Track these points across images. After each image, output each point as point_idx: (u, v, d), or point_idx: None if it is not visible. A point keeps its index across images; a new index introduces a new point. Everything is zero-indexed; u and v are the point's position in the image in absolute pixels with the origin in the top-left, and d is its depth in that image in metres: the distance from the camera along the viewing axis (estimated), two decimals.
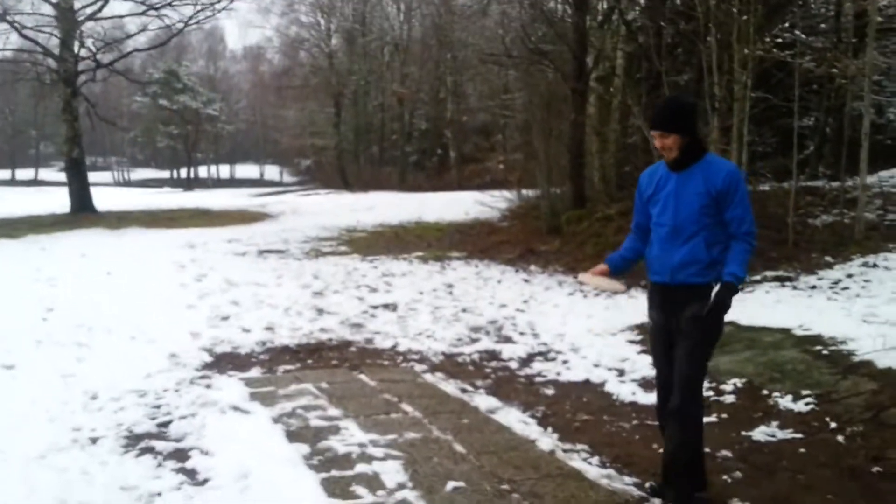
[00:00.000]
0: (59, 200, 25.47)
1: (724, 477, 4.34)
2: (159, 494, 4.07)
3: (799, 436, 4.91)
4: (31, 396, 5.69)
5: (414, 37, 42.20)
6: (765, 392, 5.65)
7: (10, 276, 11.36)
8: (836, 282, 8.57)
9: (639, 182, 4.08)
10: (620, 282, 3.98)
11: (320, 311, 9.14)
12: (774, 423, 5.11)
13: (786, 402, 5.43)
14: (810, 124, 14.92)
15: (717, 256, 3.77)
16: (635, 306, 8.63)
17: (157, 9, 25.12)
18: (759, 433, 4.98)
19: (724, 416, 5.37)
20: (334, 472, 4.28)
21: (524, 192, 16.69)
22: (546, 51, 16.29)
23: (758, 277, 8.87)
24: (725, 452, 4.71)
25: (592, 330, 7.84)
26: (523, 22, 16.47)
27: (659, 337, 4.01)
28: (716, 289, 3.73)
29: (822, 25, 14.17)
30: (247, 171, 72.02)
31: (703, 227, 3.76)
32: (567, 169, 14.63)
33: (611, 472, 4.46)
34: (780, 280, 8.86)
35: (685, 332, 3.79)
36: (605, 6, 16.43)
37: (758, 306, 7.86)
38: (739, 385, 5.83)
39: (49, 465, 4.41)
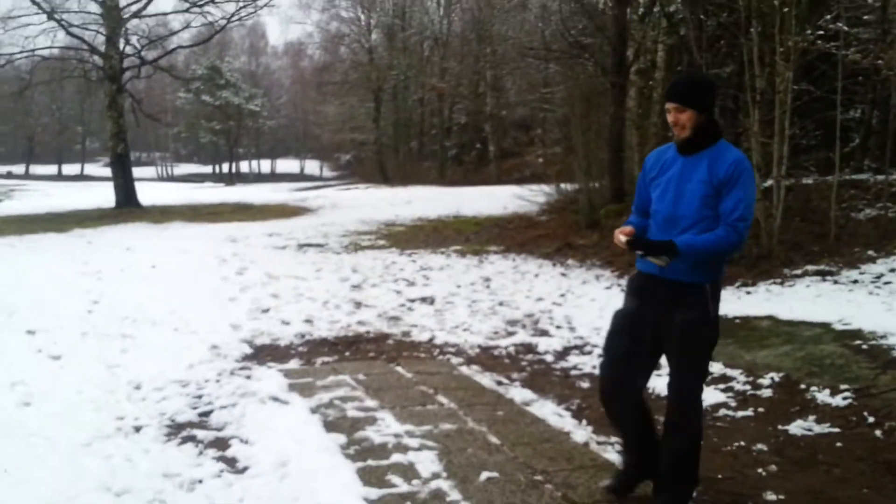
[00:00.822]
0: (104, 195, 26.02)
1: (759, 470, 4.32)
2: (200, 482, 4.16)
3: (836, 430, 4.87)
4: (78, 386, 5.85)
5: (454, 31, 42.20)
6: (802, 386, 5.60)
7: (57, 269, 11.64)
8: (879, 276, 8.43)
9: (644, 162, 3.78)
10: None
11: (358, 305, 9.24)
12: (811, 418, 5.08)
13: (823, 396, 5.38)
14: (856, 117, 14.66)
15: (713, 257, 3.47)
16: None
17: (200, 6, 25.52)
18: (796, 427, 4.95)
19: (761, 409, 5.34)
20: (370, 462, 4.35)
21: (563, 186, 16.63)
22: (586, 44, 16.23)
23: (798, 272, 8.76)
24: (761, 446, 4.69)
25: None
26: (563, 15, 16.43)
27: (628, 322, 3.68)
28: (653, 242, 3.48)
29: (868, 16, 13.88)
30: (287, 165, 72.74)
31: (702, 219, 3.42)
32: (606, 163, 14.56)
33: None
34: (822, 274, 8.74)
35: (682, 342, 3.50)
36: None
37: (798, 300, 7.77)
38: (777, 379, 5.79)
39: (94, 452, 4.54)
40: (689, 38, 10.93)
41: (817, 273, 8.78)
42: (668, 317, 3.49)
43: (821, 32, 9.62)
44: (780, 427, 4.99)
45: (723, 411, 5.38)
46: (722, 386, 5.85)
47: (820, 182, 11.41)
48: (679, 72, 10.63)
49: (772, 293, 8.26)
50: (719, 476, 4.26)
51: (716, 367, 6.20)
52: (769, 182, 9.68)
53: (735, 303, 8.12)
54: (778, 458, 4.51)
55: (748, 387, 5.76)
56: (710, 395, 5.65)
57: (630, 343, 3.65)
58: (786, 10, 9.03)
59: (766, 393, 5.63)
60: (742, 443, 4.77)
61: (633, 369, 3.70)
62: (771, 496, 3.96)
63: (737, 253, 4.23)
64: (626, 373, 3.69)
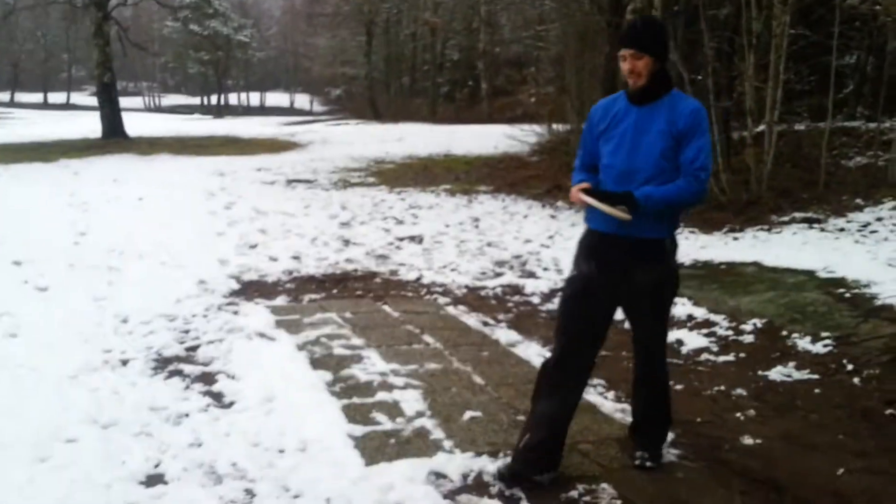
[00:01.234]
0: (90, 125, 25.67)
1: (738, 414, 4.39)
2: (187, 415, 4.20)
3: (815, 377, 4.94)
4: (65, 318, 5.86)
5: None
6: (784, 333, 5.66)
7: (43, 200, 11.56)
8: (865, 225, 8.48)
9: (590, 115, 3.55)
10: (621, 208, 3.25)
11: (347, 242, 9.24)
12: (791, 364, 5.14)
13: (804, 343, 5.45)
14: (851, 63, 14.54)
15: (672, 211, 3.38)
16: None
17: None
18: (776, 373, 5.01)
19: (742, 355, 5.40)
20: (355, 399, 4.40)
21: (555, 126, 16.52)
22: None
23: (786, 218, 8.80)
24: (740, 391, 4.76)
25: None
26: None
27: (585, 291, 3.43)
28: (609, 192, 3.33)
29: None
30: (277, 99, 71.91)
31: (661, 172, 3.26)
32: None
33: (625, 406, 4.51)
34: (809, 222, 8.78)
35: (648, 302, 3.45)
36: None
37: (784, 247, 7.82)
38: (759, 325, 5.85)
39: (81, 384, 4.57)
40: None
41: (804, 220, 8.82)
42: (629, 276, 3.35)
43: None
44: (760, 373, 5.05)
45: (704, 356, 5.44)
46: (705, 331, 5.91)
47: (812, 128, 11.36)
48: (698, 32, 10.39)
49: (758, 239, 8.31)
50: (698, 419, 4.33)
51: (699, 312, 6.27)
52: (761, 127, 9.64)
53: (721, 248, 8.16)
54: (757, 403, 4.57)
55: (731, 332, 5.82)
56: (693, 340, 5.72)
57: (589, 312, 3.43)
58: None
59: (748, 339, 5.69)
60: (722, 387, 4.83)
61: (591, 341, 3.51)
62: (748, 440, 4.03)
63: (698, 204, 4.10)
64: (585, 345, 3.50)
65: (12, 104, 60.04)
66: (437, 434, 3.95)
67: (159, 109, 66.69)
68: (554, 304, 6.88)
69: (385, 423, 4.08)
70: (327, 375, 4.76)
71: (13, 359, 4.95)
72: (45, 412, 4.13)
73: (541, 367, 3.63)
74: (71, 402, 4.29)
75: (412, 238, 9.58)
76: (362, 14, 41.12)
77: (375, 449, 3.77)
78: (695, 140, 3.24)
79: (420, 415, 4.19)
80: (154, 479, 3.50)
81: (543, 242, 9.35)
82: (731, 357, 5.37)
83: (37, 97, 66.67)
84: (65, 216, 10.12)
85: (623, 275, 3.35)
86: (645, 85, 3.27)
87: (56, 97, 68.04)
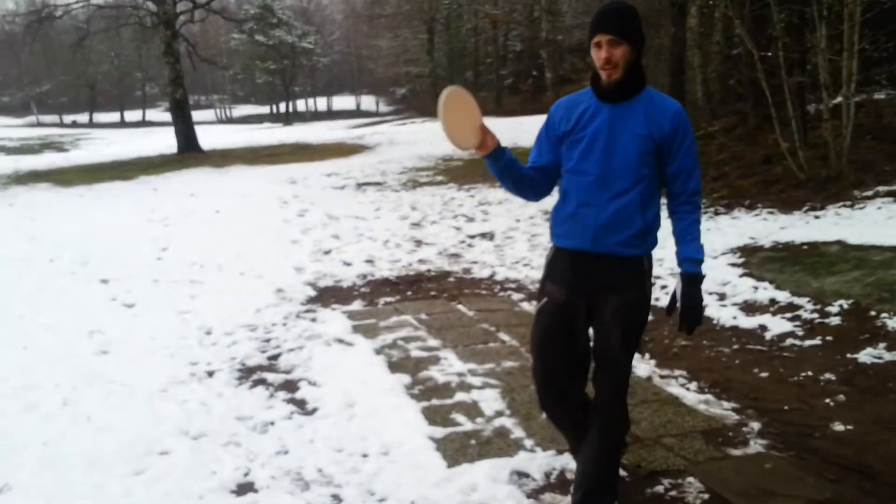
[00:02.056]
0: (166, 140, 26.47)
1: (827, 400, 4.28)
2: (272, 423, 4.30)
3: None
4: (151, 333, 6.06)
5: None
6: (872, 313, 5.46)
7: (126, 217, 11.96)
8: None
9: (550, 113, 3.05)
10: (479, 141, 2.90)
11: (418, 243, 9.30)
12: (882, 345, 4.96)
13: (894, 323, 5.24)
14: None
15: (651, 223, 2.90)
16: (737, 227, 8.42)
17: None
18: (865, 355, 4.85)
19: (829, 338, 5.24)
20: (434, 401, 4.44)
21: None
22: None
23: (869, 193, 8.48)
24: (829, 375, 4.63)
25: None
26: None
27: (557, 319, 3.01)
28: (678, 287, 2.93)
29: None
30: (343, 102, 72.79)
31: (640, 180, 2.85)
32: (667, 85, 14.16)
33: (709, 397, 4.46)
34: (894, 195, 8.44)
35: (620, 329, 2.91)
36: None
37: (868, 223, 7.54)
38: (846, 306, 5.66)
39: (171, 398, 4.73)
40: None
41: (889, 194, 8.47)
42: (602, 300, 2.92)
43: None
44: (848, 356, 4.90)
45: (789, 341, 5.30)
46: (789, 315, 5.75)
47: (893, 97, 10.92)
48: (765, 6, 10.06)
49: (841, 216, 8.03)
50: (786, 407, 4.23)
51: (782, 296, 6.10)
52: (838, 100, 9.31)
53: (802, 228, 7.92)
54: (846, 387, 4.44)
55: (816, 315, 5.65)
56: (776, 325, 5.58)
57: (566, 345, 3.04)
58: None
59: (835, 321, 5.51)
60: (809, 373, 4.71)
61: (572, 374, 3.12)
62: (839, 426, 3.92)
63: None
64: (566, 380, 3.11)
65: (91, 124, 62.38)
66: (518, 433, 3.95)
67: (231, 120, 68.27)
68: None
69: (465, 424, 4.10)
70: (405, 378, 4.81)
71: (105, 375, 5.14)
72: (138, 426, 4.28)
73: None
74: (162, 415, 4.44)
75: (483, 235, 9.59)
76: (423, 12, 41.28)
77: (457, 450, 3.79)
78: (685, 150, 2.89)
79: (499, 414, 4.20)
80: (244, 488, 3.59)
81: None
82: (817, 341, 5.22)
83: (114, 116, 69.06)
84: (146, 232, 10.46)
85: (597, 298, 2.94)
86: (620, 78, 2.83)
87: (132, 115, 70.32)
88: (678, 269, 2.97)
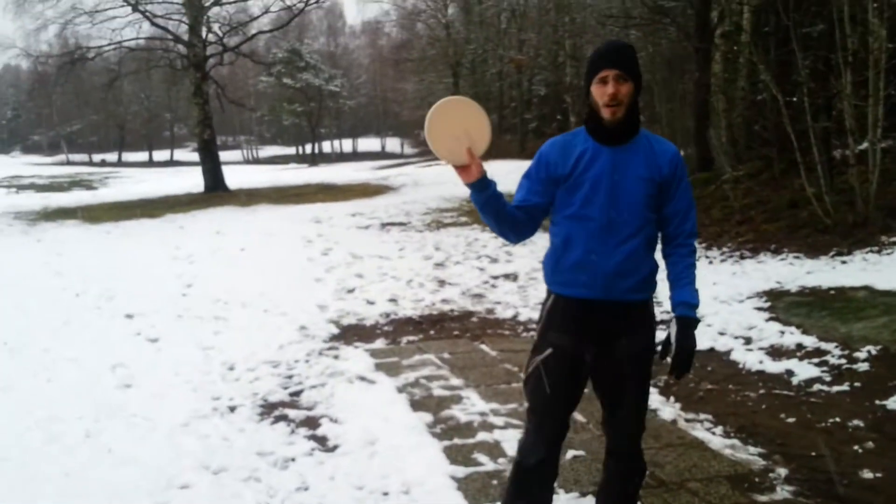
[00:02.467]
0: (193, 180, 26.80)
1: (856, 447, 4.20)
2: (293, 460, 4.29)
3: None
4: (175, 368, 6.09)
5: (531, 2, 41.60)
6: None
7: (152, 254, 12.08)
8: None
9: (541, 154, 2.88)
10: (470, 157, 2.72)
11: (442, 283, 9.31)
12: None
13: None
14: None
15: (655, 265, 2.83)
16: (763, 271, 8.36)
17: None
18: (894, 402, 4.77)
19: (857, 384, 5.16)
20: (456, 440, 4.40)
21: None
22: (667, 9, 15.79)
23: None
24: (857, 422, 4.55)
25: (718, 297, 7.64)
26: None
27: (565, 371, 2.83)
28: (673, 332, 2.80)
29: None
30: (369, 144, 73.55)
31: (646, 224, 2.77)
32: (691, 130, 14.20)
33: (735, 441, 4.40)
34: None
35: (633, 378, 2.85)
36: None
37: None
38: (874, 352, 5.58)
39: (192, 432, 4.73)
40: None
41: None
42: (611, 346, 2.80)
43: None
44: (877, 402, 4.82)
45: (817, 386, 5.22)
46: (816, 360, 5.68)
47: None
48: (789, 52, 10.05)
49: (868, 262, 7.94)
50: (813, 453, 4.16)
51: (809, 341, 6.03)
52: (864, 145, 9.27)
53: (829, 273, 7.84)
54: (875, 434, 4.36)
55: (843, 360, 5.57)
56: (804, 370, 5.51)
57: (575, 398, 2.92)
58: None
59: (863, 367, 5.43)
60: (837, 419, 4.63)
61: (565, 428, 2.98)
62: (868, 474, 3.84)
63: None
64: (561, 436, 2.96)
65: (120, 163, 63.34)
66: None
67: (257, 161, 69.07)
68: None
69: (487, 464, 4.06)
70: (427, 417, 4.79)
71: (128, 408, 5.16)
72: (160, 459, 4.28)
73: (515, 466, 3.02)
74: (183, 449, 4.44)
75: (507, 276, 9.58)
76: (448, 57, 41.80)
77: (478, 490, 3.75)
78: (682, 192, 2.82)
79: None
80: None
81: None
82: (845, 387, 5.14)
83: (142, 156, 70.14)
84: (172, 269, 10.55)
85: (603, 348, 2.81)
86: (623, 119, 2.73)
87: (160, 155, 71.41)
88: (673, 313, 2.85)
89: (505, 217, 2.81)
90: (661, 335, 2.88)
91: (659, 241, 2.90)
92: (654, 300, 2.92)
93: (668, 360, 2.84)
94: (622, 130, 2.75)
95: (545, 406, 2.89)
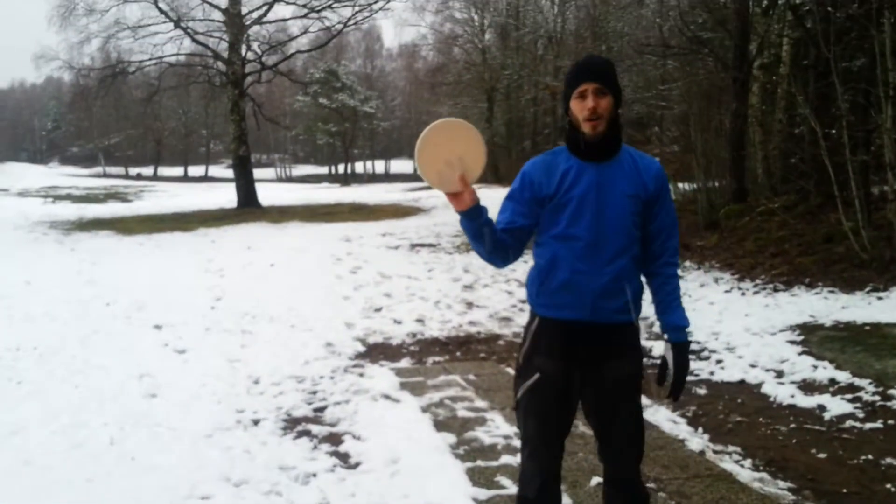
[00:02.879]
0: (227, 195, 27.12)
1: (888, 486, 4.10)
2: (314, 475, 4.27)
3: None
4: (201, 379, 6.12)
5: (568, 29, 41.77)
6: None
7: (183, 266, 12.20)
8: None
9: (524, 174, 2.80)
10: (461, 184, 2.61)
11: (469, 305, 9.28)
12: None
13: None
14: None
15: (640, 286, 2.78)
16: (797, 304, 8.23)
17: (317, 11, 26.19)
18: None
19: (891, 422, 5.03)
20: (479, 462, 4.35)
21: (681, 185, 16.19)
22: (705, 39, 15.75)
23: None
24: (891, 460, 4.43)
25: (750, 329, 7.53)
26: (682, 10, 16.01)
27: (554, 396, 2.74)
28: (668, 355, 2.77)
29: None
30: (401, 166, 73.87)
31: (633, 242, 2.70)
32: (727, 161, 14.08)
33: (764, 475, 4.31)
34: None
35: (624, 402, 2.76)
36: None
37: None
38: None
39: (215, 444, 4.73)
40: (816, 30, 10.41)
41: None
42: (599, 369, 2.72)
43: None
44: None
45: (849, 423, 5.11)
46: (849, 396, 5.55)
47: None
48: (828, 86, 9.95)
49: None
50: (844, 490, 4.07)
51: (842, 376, 5.90)
52: None
53: (865, 308, 7.70)
54: None
55: (878, 397, 5.45)
56: (836, 406, 5.39)
57: (566, 423, 2.83)
58: None
59: None
60: (870, 456, 4.52)
61: (560, 455, 2.86)
62: None
63: None
64: (557, 463, 2.85)
65: (155, 178, 64.30)
66: (565, 500, 3.82)
67: (290, 179, 69.75)
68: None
69: (510, 487, 4.00)
70: (451, 437, 4.74)
71: (153, 417, 5.18)
72: (182, 469, 4.29)
73: (517, 500, 2.92)
74: (206, 459, 4.44)
75: None
76: (483, 82, 42.04)
77: None
78: (668, 209, 2.77)
79: None
80: None
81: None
82: (878, 424, 5.02)
83: (178, 171, 71.15)
84: (202, 282, 10.64)
85: (590, 368, 2.72)
86: (605, 133, 2.67)
87: (195, 170, 72.38)
88: (665, 337, 2.80)
89: (496, 243, 2.71)
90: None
91: None
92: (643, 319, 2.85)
93: (665, 383, 2.80)
94: (605, 146, 2.69)
95: (537, 433, 2.80)
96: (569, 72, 2.76)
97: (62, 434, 4.82)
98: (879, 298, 8.00)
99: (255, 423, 5.16)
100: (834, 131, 9.92)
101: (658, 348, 6.81)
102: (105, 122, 70.99)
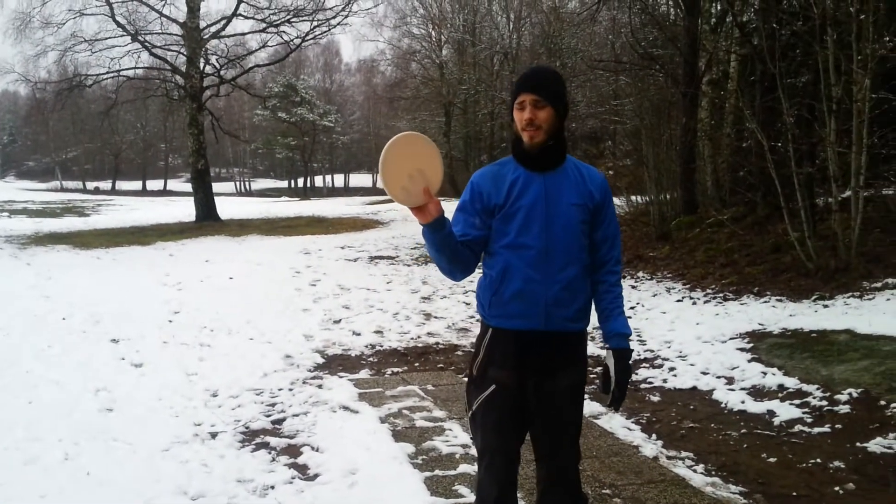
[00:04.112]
0: (185, 209, 26.86)
1: (837, 488, 4.22)
2: (272, 487, 4.29)
3: None
4: (158, 393, 6.08)
5: (523, 45, 42.18)
6: (882, 402, 5.42)
7: (140, 280, 12.08)
8: None
9: (473, 185, 2.84)
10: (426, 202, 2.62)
11: (428, 316, 9.34)
12: (892, 435, 4.90)
13: None
14: None
15: (590, 294, 2.83)
16: (746, 312, 8.43)
17: (276, 26, 26.15)
18: (875, 444, 4.80)
19: (838, 426, 5.19)
20: (438, 472, 4.41)
21: (633, 198, 16.46)
22: (656, 56, 16.07)
23: (878, 284, 8.48)
24: (838, 463, 4.57)
25: (701, 337, 7.70)
26: (633, 27, 16.32)
27: (509, 406, 2.76)
28: (610, 362, 2.79)
29: None
30: (360, 179, 73.94)
31: (582, 250, 2.75)
32: (677, 174, 14.36)
33: (716, 480, 4.41)
34: None
35: (569, 410, 2.82)
36: (717, 9, 16.07)
37: (877, 314, 7.52)
38: (855, 395, 5.62)
39: (172, 457, 4.72)
40: (762, 47, 10.70)
41: None
42: (551, 377, 2.75)
43: None
44: (858, 444, 4.84)
45: (798, 427, 5.25)
46: (797, 401, 5.71)
47: None
48: (774, 100, 10.25)
49: (850, 306, 8.03)
50: (794, 493, 4.18)
51: (791, 382, 6.07)
52: (847, 193, 9.41)
53: (811, 316, 7.92)
54: (856, 476, 4.38)
55: (825, 402, 5.61)
56: (785, 411, 5.54)
57: (522, 431, 2.84)
58: (863, 17, 8.79)
59: (844, 409, 5.47)
60: (818, 460, 4.65)
61: (517, 463, 2.89)
62: None
63: None
64: (514, 472, 2.87)
65: (114, 192, 63.35)
66: None
67: (250, 193, 69.19)
68: (638, 375, 6.78)
69: (468, 496, 4.06)
70: (409, 447, 4.79)
71: (109, 431, 5.15)
72: (138, 483, 4.27)
73: None
74: (162, 473, 4.43)
75: None
76: (441, 96, 42.27)
77: None
78: (611, 217, 2.84)
79: None
80: None
81: (626, 313, 9.22)
82: (826, 428, 5.17)
83: (136, 184, 70.20)
84: (160, 295, 10.55)
85: (542, 376, 2.75)
86: (544, 142, 2.72)
87: (154, 184, 71.49)
88: (607, 345, 2.84)
89: (457, 255, 2.73)
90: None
91: None
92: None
93: (608, 390, 2.82)
94: (548, 156, 2.75)
95: (494, 443, 2.80)
96: (514, 82, 2.83)
97: (15, 449, 4.76)
98: (825, 306, 8.22)
99: (213, 436, 5.15)
100: (780, 145, 10.18)
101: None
102: (62, 135, 69.92)
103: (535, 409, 2.77)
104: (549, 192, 2.72)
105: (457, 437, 4.98)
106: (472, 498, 4.02)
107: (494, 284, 2.75)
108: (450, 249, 2.70)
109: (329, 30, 27.60)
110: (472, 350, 2.98)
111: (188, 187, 32.86)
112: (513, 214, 2.71)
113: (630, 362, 2.83)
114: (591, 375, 6.76)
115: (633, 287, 11.08)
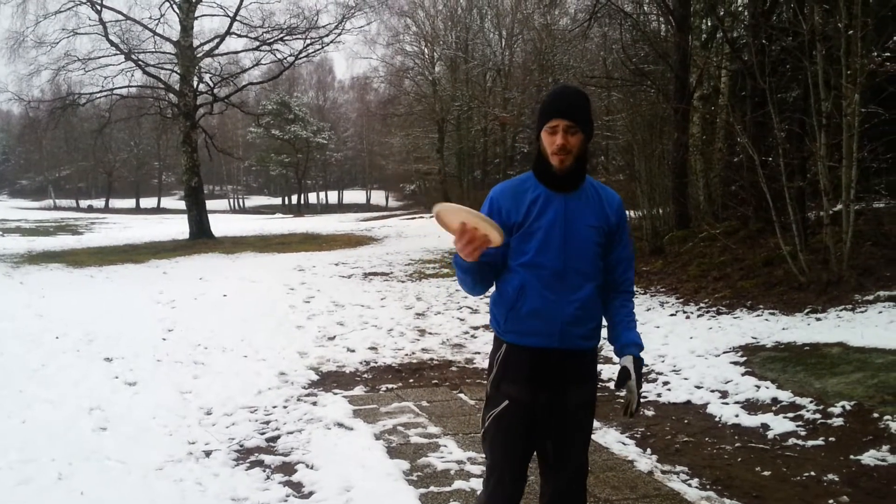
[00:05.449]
0: (179, 227, 26.87)
1: (830, 501, 4.23)
2: None
3: None
4: (152, 411, 6.06)
5: (515, 62, 42.47)
6: (875, 415, 5.43)
7: (134, 298, 12.05)
8: None
9: (492, 200, 2.83)
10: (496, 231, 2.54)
11: (422, 332, 9.35)
12: (885, 448, 4.92)
13: None
14: None
15: (602, 313, 2.86)
16: (739, 326, 8.45)
17: (269, 44, 26.29)
18: (869, 457, 4.81)
19: (832, 439, 5.21)
20: (433, 488, 4.41)
21: (626, 213, 16.54)
22: (648, 71, 16.19)
23: (870, 297, 8.53)
24: (832, 476, 4.58)
25: (694, 351, 7.72)
26: (625, 43, 16.42)
27: (521, 422, 2.78)
28: (630, 368, 2.78)
29: None
30: (354, 196, 74.07)
31: (597, 272, 2.78)
32: (670, 189, 14.44)
33: (711, 493, 4.42)
34: (895, 300, 8.49)
35: (580, 427, 2.84)
36: (708, 25, 16.21)
37: (870, 327, 7.56)
38: (848, 407, 5.64)
39: (167, 476, 4.70)
40: (752, 63, 10.81)
41: (890, 299, 8.52)
42: (563, 393, 2.77)
43: (888, 54, 9.41)
44: (852, 457, 4.86)
45: (792, 440, 5.27)
46: (791, 414, 5.73)
47: (893, 206, 11.09)
48: (765, 115, 10.35)
49: (842, 319, 8.06)
50: None
51: (784, 395, 6.08)
52: (838, 207, 9.47)
53: (804, 329, 7.95)
54: (850, 488, 4.39)
55: (818, 415, 5.62)
56: (779, 424, 5.55)
57: (531, 448, 2.85)
58: (851, 32, 8.88)
59: (837, 422, 5.48)
60: (812, 473, 4.67)
61: (525, 479, 2.91)
62: None
63: None
64: (522, 488, 2.90)
65: (107, 210, 63.32)
66: None
67: (243, 210, 69.27)
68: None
69: None
70: (404, 464, 4.79)
71: (102, 451, 5.13)
72: (132, 503, 4.25)
73: None
74: (156, 492, 4.41)
75: (486, 326, 9.62)
76: (434, 113, 42.45)
77: None
78: (626, 240, 2.87)
79: None
80: None
81: None
82: (819, 441, 5.19)
83: (129, 202, 70.24)
84: (153, 314, 10.53)
85: (555, 393, 2.77)
86: (572, 167, 2.72)
87: (147, 202, 71.53)
88: (621, 355, 2.84)
89: (483, 274, 2.77)
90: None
91: None
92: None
93: (623, 398, 2.84)
94: (571, 177, 2.75)
95: (505, 459, 2.82)
96: (543, 101, 2.80)
97: (9, 470, 4.73)
98: (818, 319, 8.26)
99: (207, 454, 5.14)
100: (771, 159, 10.27)
101: (607, 372, 6.96)
102: (55, 154, 69.92)
103: (545, 423, 2.79)
104: (569, 214, 2.74)
105: (452, 454, 4.98)
106: None
107: (511, 301, 2.76)
108: (478, 271, 2.73)
109: (322, 48, 27.79)
110: (487, 367, 3.00)
111: (182, 205, 32.92)
112: (532, 234, 2.73)
113: (642, 372, 2.86)
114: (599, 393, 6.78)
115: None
